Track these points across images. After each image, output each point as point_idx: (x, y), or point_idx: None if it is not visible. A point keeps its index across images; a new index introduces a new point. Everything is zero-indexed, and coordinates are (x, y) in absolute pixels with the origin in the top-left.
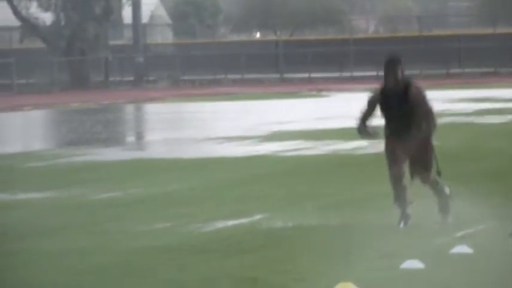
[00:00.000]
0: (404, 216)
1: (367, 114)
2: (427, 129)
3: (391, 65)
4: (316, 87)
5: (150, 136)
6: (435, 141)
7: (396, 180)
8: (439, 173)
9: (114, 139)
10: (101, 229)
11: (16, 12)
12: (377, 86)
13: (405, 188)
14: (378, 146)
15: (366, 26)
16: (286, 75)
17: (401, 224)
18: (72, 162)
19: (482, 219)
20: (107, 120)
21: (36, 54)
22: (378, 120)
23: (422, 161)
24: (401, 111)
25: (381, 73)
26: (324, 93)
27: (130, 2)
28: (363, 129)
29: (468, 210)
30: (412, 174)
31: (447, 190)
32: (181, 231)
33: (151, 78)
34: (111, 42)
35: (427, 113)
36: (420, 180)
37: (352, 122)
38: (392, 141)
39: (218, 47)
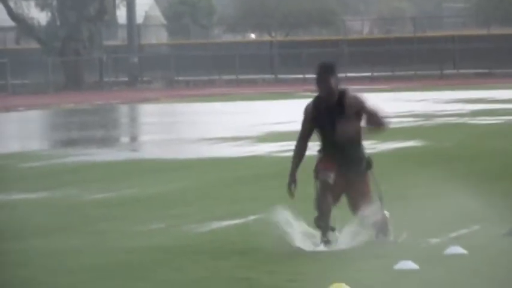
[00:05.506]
0: (326, 241)
1: (306, 130)
2: (379, 119)
3: (323, 72)
4: (310, 88)
5: (145, 137)
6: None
7: (322, 188)
8: (380, 198)
9: (108, 140)
10: (96, 229)
11: (11, 12)
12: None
13: (330, 204)
14: (378, 146)
15: (361, 27)
16: (280, 76)
17: (320, 246)
18: (67, 163)
19: (477, 219)
20: (101, 120)
21: (31, 55)
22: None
23: (359, 191)
24: (337, 126)
25: (376, 74)
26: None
27: (124, 3)
28: (291, 181)
29: (462, 210)
30: (351, 206)
31: (387, 219)
32: (176, 231)
33: (145, 78)
34: (106, 43)
35: (373, 116)
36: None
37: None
38: (327, 156)
39: (213, 48)
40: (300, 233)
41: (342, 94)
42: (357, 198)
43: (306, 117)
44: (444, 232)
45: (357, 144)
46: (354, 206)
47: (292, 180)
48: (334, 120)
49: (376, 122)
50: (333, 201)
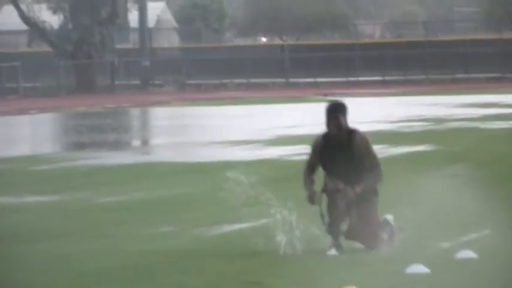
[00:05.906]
0: (337, 245)
1: (313, 162)
2: (371, 183)
3: (333, 110)
4: (321, 92)
5: (156, 140)
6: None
7: (332, 196)
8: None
9: (119, 143)
10: (106, 232)
11: (23, 16)
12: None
13: (341, 209)
14: (389, 150)
15: (372, 31)
16: (291, 80)
17: (332, 251)
18: (78, 166)
19: (487, 224)
20: (113, 124)
21: (43, 58)
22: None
23: (362, 215)
24: (344, 163)
25: (387, 78)
26: (329, 97)
27: (136, 6)
28: (311, 193)
29: (472, 214)
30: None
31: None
32: (186, 235)
33: (157, 82)
34: (118, 46)
35: (372, 166)
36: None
37: (357, 126)
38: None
39: (224, 51)
40: (297, 237)
41: (351, 133)
42: (359, 222)
43: (314, 151)
44: (455, 236)
45: (362, 179)
46: (355, 230)
47: (312, 193)
48: (343, 154)
49: (374, 173)
50: (344, 209)
